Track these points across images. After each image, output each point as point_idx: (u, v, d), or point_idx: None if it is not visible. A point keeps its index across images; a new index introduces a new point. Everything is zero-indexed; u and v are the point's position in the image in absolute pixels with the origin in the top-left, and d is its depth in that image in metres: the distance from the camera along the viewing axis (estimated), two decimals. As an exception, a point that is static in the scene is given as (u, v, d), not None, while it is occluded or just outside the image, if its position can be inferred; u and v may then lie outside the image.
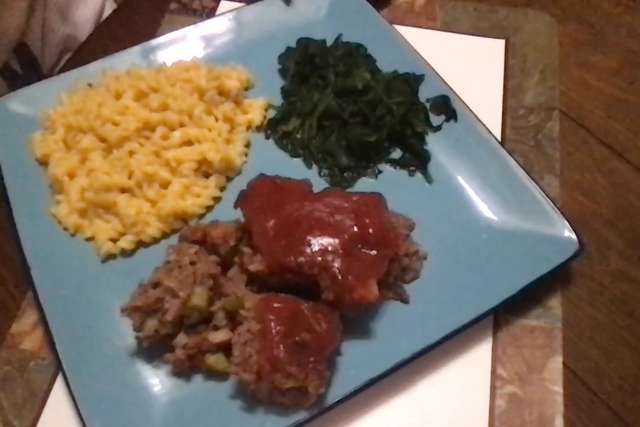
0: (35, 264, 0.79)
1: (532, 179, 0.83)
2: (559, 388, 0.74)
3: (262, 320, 0.65)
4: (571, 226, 0.77)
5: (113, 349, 0.73)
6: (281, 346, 0.63)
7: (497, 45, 1.03)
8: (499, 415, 0.72)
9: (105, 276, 0.80)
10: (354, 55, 0.96)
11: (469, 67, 1.00)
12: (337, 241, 0.69)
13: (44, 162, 0.90)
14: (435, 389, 0.73)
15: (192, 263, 0.71)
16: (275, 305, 0.66)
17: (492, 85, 0.98)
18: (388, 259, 0.70)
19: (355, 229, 0.70)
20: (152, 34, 1.06)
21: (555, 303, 0.79)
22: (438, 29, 1.07)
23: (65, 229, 0.84)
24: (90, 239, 0.83)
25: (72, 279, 0.79)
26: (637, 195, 0.89)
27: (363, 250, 0.69)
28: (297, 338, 0.64)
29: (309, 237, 0.69)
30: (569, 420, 0.72)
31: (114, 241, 0.82)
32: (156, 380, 0.71)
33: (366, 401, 0.71)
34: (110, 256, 0.82)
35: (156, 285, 0.69)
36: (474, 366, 0.75)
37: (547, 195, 0.81)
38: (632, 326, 0.79)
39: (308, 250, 0.68)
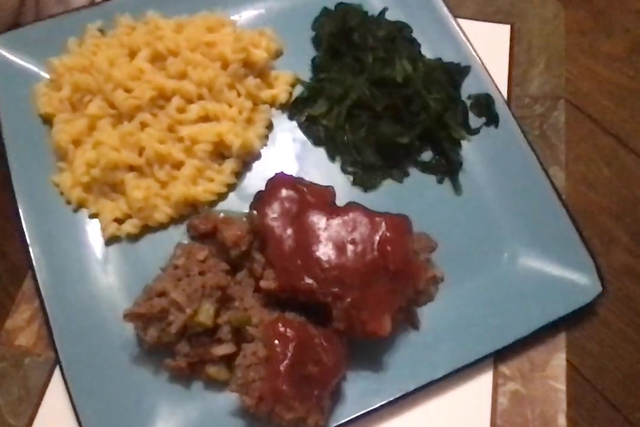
0: (34, 239, 0.75)
1: (568, 212, 0.77)
2: (561, 386, 0.73)
3: (269, 345, 0.63)
4: (598, 269, 0.74)
5: (114, 346, 0.71)
6: (286, 378, 0.61)
7: (502, 31, 0.97)
8: (501, 413, 0.71)
9: (108, 260, 0.77)
10: (397, 40, 0.85)
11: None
12: (355, 268, 0.66)
13: (48, 121, 0.83)
14: (437, 386, 0.71)
15: (202, 273, 0.68)
16: (284, 331, 0.64)
17: (497, 72, 0.91)
18: (407, 292, 0.67)
19: (376, 257, 0.66)
20: None
21: None
22: None
23: (68, 202, 0.79)
24: (94, 215, 0.79)
25: (73, 259, 0.76)
26: (645, 187, 0.86)
27: (381, 281, 0.66)
28: (303, 370, 0.62)
29: (325, 259, 0.66)
30: (572, 418, 0.72)
31: (119, 221, 0.78)
32: (156, 383, 0.70)
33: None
34: (114, 239, 0.78)
35: (162, 294, 0.66)
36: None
37: (579, 232, 0.76)
38: (636, 322, 0.78)
39: (323, 276, 0.65)
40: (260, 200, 0.72)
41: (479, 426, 0.71)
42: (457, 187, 0.82)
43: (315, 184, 0.74)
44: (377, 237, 0.67)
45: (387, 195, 0.82)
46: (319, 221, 0.69)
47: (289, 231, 0.68)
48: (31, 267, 0.74)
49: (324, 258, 0.66)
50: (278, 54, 0.90)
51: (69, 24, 0.87)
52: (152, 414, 0.68)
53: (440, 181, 0.83)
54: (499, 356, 0.73)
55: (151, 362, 0.71)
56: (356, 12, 0.89)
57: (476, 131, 0.85)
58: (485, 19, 0.97)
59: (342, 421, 0.66)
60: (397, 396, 0.67)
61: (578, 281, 0.74)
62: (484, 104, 0.84)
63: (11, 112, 0.82)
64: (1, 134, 0.80)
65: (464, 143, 0.84)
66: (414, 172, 0.84)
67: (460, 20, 0.93)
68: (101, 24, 0.88)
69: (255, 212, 0.71)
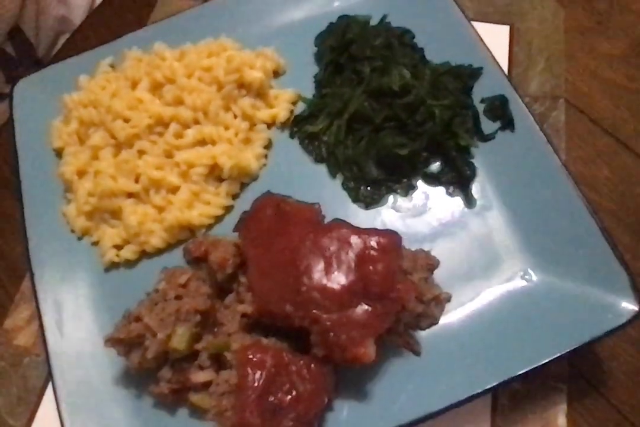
0: (38, 265, 0.77)
1: (599, 224, 0.67)
2: (562, 385, 0.70)
3: (240, 372, 0.59)
4: (635, 290, 0.63)
5: (105, 367, 0.70)
6: (254, 408, 0.57)
7: (501, 32, 0.96)
8: (501, 412, 0.69)
9: (106, 286, 0.77)
10: (395, 46, 0.81)
11: None
12: (335, 289, 0.60)
13: (60, 154, 0.86)
14: None
15: (178, 297, 0.65)
16: (256, 357, 0.60)
17: None
18: (392, 315, 0.60)
19: (358, 277, 0.60)
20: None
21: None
22: None
23: (73, 231, 0.81)
24: (96, 243, 0.80)
25: (73, 286, 0.76)
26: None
27: (363, 303, 0.60)
28: (274, 399, 0.57)
29: (303, 283, 0.61)
30: (572, 417, 0.70)
31: (119, 247, 0.78)
32: (142, 409, 0.68)
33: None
34: (113, 265, 0.78)
35: (137, 319, 0.64)
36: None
37: (615, 247, 0.66)
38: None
39: (299, 299, 0.60)
40: (243, 222, 0.69)
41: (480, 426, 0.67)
42: (468, 199, 0.74)
43: (301, 202, 0.70)
44: (360, 256, 0.62)
45: (390, 211, 0.76)
46: (299, 241, 0.64)
47: (269, 255, 0.65)
48: (35, 298, 0.75)
49: (301, 280, 0.61)
50: (280, 73, 0.88)
51: (84, 63, 0.91)
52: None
53: (449, 194, 0.76)
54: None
55: (138, 386, 0.69)
56: (357, 24, 0.85)
57: (490, 137, 0.77)
58: (484, 20, 0.96)
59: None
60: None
61: (608, 299, 0.63)
62: (499, 107, 0.77)
63: (28, 147, 0.86)
64: (17, 166, 0.84)
65: (477, 151, 0.77)
66: (420, 185, 0.77)
67: None
68: (112, 60, 0.91)
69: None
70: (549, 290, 0.67)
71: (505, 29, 0.95)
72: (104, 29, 1.03)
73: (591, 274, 0.65)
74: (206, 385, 0.65)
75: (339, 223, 0.65)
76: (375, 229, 0.64)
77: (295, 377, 0.59)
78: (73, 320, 0.74)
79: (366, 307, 0.60)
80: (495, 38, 0.92)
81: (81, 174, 0.82)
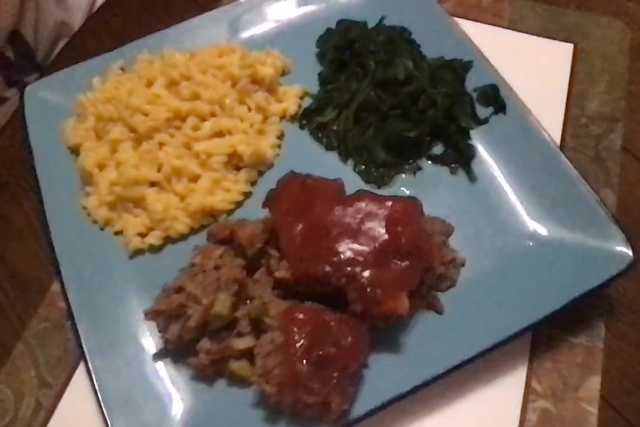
0: (63, 257, 0.78)
1: (588, 183, 0.76)
2: (594, 409, 0.70)
3: (285, 331, 0.63)
4: (627, 238, 0.70)
5: (139, 348, 0.72)
6: (304, 360, 0.60)
7: (565, 49, 0.98)
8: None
9: (132, 271, 0.79)
10: (397, 41, 0.89)
11: (533, 70, 0.94)
12: (367, 250, 0.65)
13: (75, 151, 0.89)
14: (465, 397, 0.70)
15: (217, 268, 0.69)
16: (299, 316, 0.63)
17: (555, 90, 0.93)
18: (421, 271, 0.66)
19: (387, 238, 0.66)
20: (150, 22, 1.04)
21: (599, 322, 0.75)
22: (504, 27, 1.01)
23: (95, 222, 0.83)
24: (119, 232, 0.82)
25: (100, 274, 0.78)
26: None
27: (394, 261, 0.65)
28: (320, 352, 0.61)
29: (337, 245, 0.66)
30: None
31: (143, 235, 0.81)
32: (180, 382, 0.70)
33: (391, 412, 0.68)
34: (138, 252, 0.80)
35: (179, 290, 0.67)
36: (508, 376, 0.72)
37: (603, 203, 0.74)
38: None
39: (336, 259, 0.65)
40: (271, 198, 0.74)
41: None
42: (471, 176, 0.81)
43: (324, 178, 0.75)
44: (387, 219, 0.67)
45: (400, 190, 0.82)
46: (327, 211, 0.69)
47: (300, 223, 0.69)
48: (62, 284, 0.77)
49: (335, 244, 0.66)
50: (286, 72, 0.94)
51: (94, 66, 0.95)
52: (176, 416, 0.67)
53: (453, 172, 0.83)
54: (532, 371, 0.72)
55: (176, 363, 0.71)
56: (356, 26, 0.93)
57: (485, 121, 0.85)
58: (548, 36, 0.98)
59: (368, 409, 0.63)
60: (423, 380, 0.64)
61: (606, 248, 0.70)
62: (490, 93, 0.85)
63: (42, 145, 0.88)
64: (34, 165, 0.86)
65: (475, 133, 0.84)
66: (426, 165, 0.84)
67: (522, 35, 0.98)
68: (122, 64, 0.95)
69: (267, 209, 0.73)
70: (552, 247, 0.73)
71: (569, 47, 0.97)
72: (103, 33, 1.06)
73: (588, 229, 0.73)
74: (245, 353, 0.68)
75: (364, 193, 0.71)
76: (399, 196, 0.70)
77: (336, 333, 0.63)
78: (104, 306, 0.76)
79: (398, 263, 0.65)
80: (558, 55, 0.96)
81: (101, 167, 0.85)
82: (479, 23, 1.01)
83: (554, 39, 0.99)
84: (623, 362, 0.73)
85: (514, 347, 0.72)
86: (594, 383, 0.71)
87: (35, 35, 1.03)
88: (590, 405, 0.70)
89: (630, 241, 0.70)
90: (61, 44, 1.09)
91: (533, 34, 0.99)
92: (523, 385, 0.71)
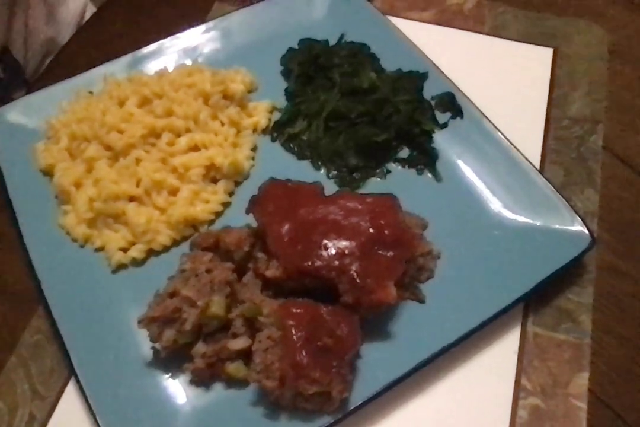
0: (45, 276, 0.78)
1: (540, 173, 0.83)
2: (583, 404, 0.72)
3: (282, 326, 0.64)
4: (582, 220, 0.77)
5: (130, 360, 0.72)
6: (304, 351, 0.62)
7: (545, 54, 1.02)
8: (520, 426, 0.71)
9: (117, 286, 0.79)
10: (359, 55, 0.95)
11: (515, 74, 1.00)
12: (353, 243, 0.69)
13: (48, 173, 0.89)
14: (457, 396, 0.72)
15: (209, 271, 0.70)
16: (294, 310, 0.66)
17: (537, 93, 0.97)
18: (405, 260, 0.69)
19: (371, 230, 0.69)
20: (137, 37, 1.06)
21: (585, 318, 0.78)
22: (486, 33, 1.06)
23: (74, 240, 0.83)
24: (100, 249, 0.82)
25: (84, 290, 0.78)
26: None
27: (380, 252, 0.69)
28: (319, 343, 0.63)
29: (325, 241, 0.69)
30: None
31: (124, 250, 0.81)
32: (176, 389, 0.70)
33: (387, 404, 0.71)
34: (121, 266, 0.81)
35: (173, 294, 0.68)
36: (497, 375, 0.74)
37: (555, 189, 0.81)
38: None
39: (325, 254, 0.68)
40: (255, 202, 0.76)
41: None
42: (436, 175, 0.87)
43: (303, 181, 0.78)
44: (369, 214, 0.71)
45: (373, 192, 0.85)
46: (312, 209, 0.72)
47: (286, 223, 0.72)
48: (44, 302, 0.76)
49: (323, 239, 0.69)
50: (254, 89, 0.98)
51: (62, 90, 0.96)
52: (176, 423, 0.68)
53: (420, 173, 0.88)
54: (521, 368, 0.74)
55: (170, 371, 0.71)
56: (318, 44, 0.99)
57: (444, 125, 0.91)
58: (529, 41, 1.03)
59: (366, 397, 0.66)
60: (413, 365, 0.67)
61: (566, 230, 0.77)
62: (447, 100, 0.91)
63: (13, 168, 0.88)
64: (5, 188, 0.86)
65: (437, 137, 0.90)
66: (394, 168, 0.89)
67: (503, 41, 1.03)
68: (90, 88, 0.97)
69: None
70: (516, 234, 0.79)
71: (549, 51, 1.01)
72: (91, 47, 1.08)
73: (547, 215, 0.79)
74: (240, 353, 0.69)
75: (345, 193, 0.75)
76: (378, 193, 0.74)
77: (331, 323, 0.65)
78: (90, 323, 0.75)
79: (384, 253, 0.68)
80: (539, 60, 1.00)
81: (77, 185, 0.85)
82: (462, 31, 1.06)
83: (535, 44, 1.03)
84: (610, 358, 0.75)
85: (503, 346, 0.75)
86: (583, 379, 0.73)
87: (25, 52, 1.03)
88: (579, 401, 0.72)
89: (586, 223, 0.77)
90: (49, 59, 1.09)
91: (514, 40, 1.03)
92: (513, 382, 0.73)
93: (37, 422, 0.72)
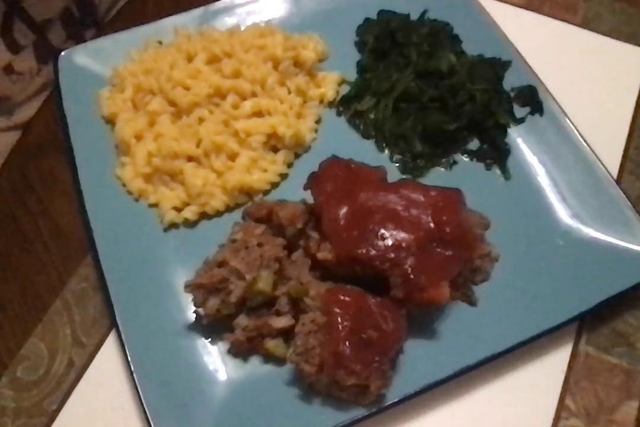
0: (97, 226, 0.78)
1: (617, 183, 0.78)
2: None
3: (328, 312, 0.63)
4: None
5: (172, 321, 0.73)
6: (347, 341, 0.61)
7: (638, 54, 0.96)
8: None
9: (166, 244, 0.79)
10: (440, 35, 0.90)
11: (603, 73, 0.95)
12: (411, 237, 0.66)
13: (110, 121, 0.88)
14: (496, 408, 0.71)
15: (260, 245, 0.69)
16: (342, 298, 0.64)
17: (624, 97, 0.93)
18: (462, 261, 0.67)
19: (432, 226, 0.67)
20: None
21: None
22: (577, 25, 1.00)
23: (129, 193, 0.83)
24: (153, 205, 0.82)
25: (134, 245, 0.78)
26: None
27: (438, 249, 0.66)
28: (363, 335, 0.62)
29: (382, 230, 0.67)
30: None
31: (178, 210, 0.81)
32: (213, 357, 0.71)
33: (422, 404, 0.70)
34: (172, 225, 0.80)
35: (222, 264, 0.68)
36: (542, 391, 0.72)
37: (631, 202, 0.76)
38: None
39: (380, 244, 0.66)
40: (315, 179, 0.74)
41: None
42: (506, 173, 0.83)
43: (367, 164, 0.75)
44: (432, 208, 0.68)
45: (436, 183, 0.82)
46: (373, 195, 0.70)
47: (344, 206, 0.70)
48: (94, 251, 0.76)
49: (380, 228, 0.67)
50: (324, 58, 0.95)
51: (132, 38, 0.94)
52: (210, 391, 0.68)
53: (488, 168, 0.84)
54: (567, 388, 0.72)
55: (209, 339, 0.72)
56: (397, 18, 0.94)
57: (521, 120, 0.86)
58: (624, 39, 0.97)
59: (402, 395, 0.65)
60: (456, 369, 0.66)
61: (637, 251, 0.73)
62: (528, 94, 0.87)
63: (77, 114, 0.88)
64: (68, 134, 0.86)
65: (511, 131, 0.86)
66: (461, 160, 0.85)
67: (595, 36, 0.97)
68: (160, 38, 0.95)
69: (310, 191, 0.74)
70: (583, 247, 0.75)
71: None
72: None
73: (619, 231, 0.75)
74: (281, 332, 0.69)
75: (408, 181, 0.72)
76: (442, 187, 0.71)
77: (378, 316, 0.64)
78: (137, 278, 0.75)
79: (441, 252, 0.66)
80: (631, 60, 0.95)
81: (138, 138, 0.84)
82: (550, 18, 1.00)
83: (629, 42, 0.97)
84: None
85: (552, 362, 0.73)
86: (631, 408, 0.71)
87: None
88: (624, 430, 0.69)
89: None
90: (122, 2, 1.06)
91: (606, 35, 0.97)
92: (557, 401, 0.71)
93: (75, 369, 0.73)
